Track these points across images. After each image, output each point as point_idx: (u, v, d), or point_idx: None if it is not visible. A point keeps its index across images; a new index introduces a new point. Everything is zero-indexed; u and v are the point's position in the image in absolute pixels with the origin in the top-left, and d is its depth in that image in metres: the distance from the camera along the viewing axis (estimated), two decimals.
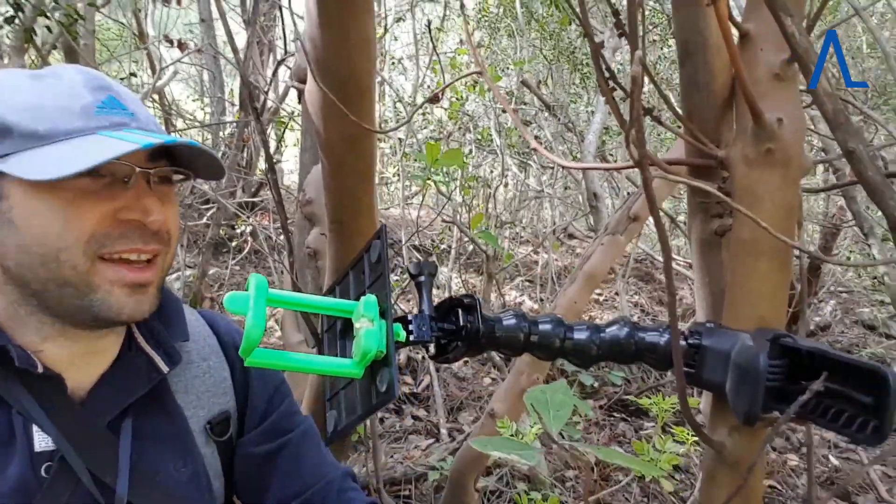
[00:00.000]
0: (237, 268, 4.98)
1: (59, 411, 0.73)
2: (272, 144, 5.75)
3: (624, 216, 1.72)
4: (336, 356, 0.68)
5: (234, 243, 4.86)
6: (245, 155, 5.60)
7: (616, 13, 0.78)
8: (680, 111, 0.82)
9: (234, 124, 5.37)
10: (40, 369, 0.72)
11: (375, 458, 1.43)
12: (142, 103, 0.76)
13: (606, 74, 0.76)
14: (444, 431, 2.74)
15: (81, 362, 0.76)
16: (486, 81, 0.91)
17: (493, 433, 1.62)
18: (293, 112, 5.34)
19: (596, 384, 3.09)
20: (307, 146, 2.28)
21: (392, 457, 2.51)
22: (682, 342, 0.69)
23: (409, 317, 0.67)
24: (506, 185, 4.52)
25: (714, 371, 0.65)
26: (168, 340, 0.84)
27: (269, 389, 0.93)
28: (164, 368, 0.81)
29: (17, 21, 2.74)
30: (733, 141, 0.74)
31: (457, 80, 1.21)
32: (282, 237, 4.39)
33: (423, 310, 0.68)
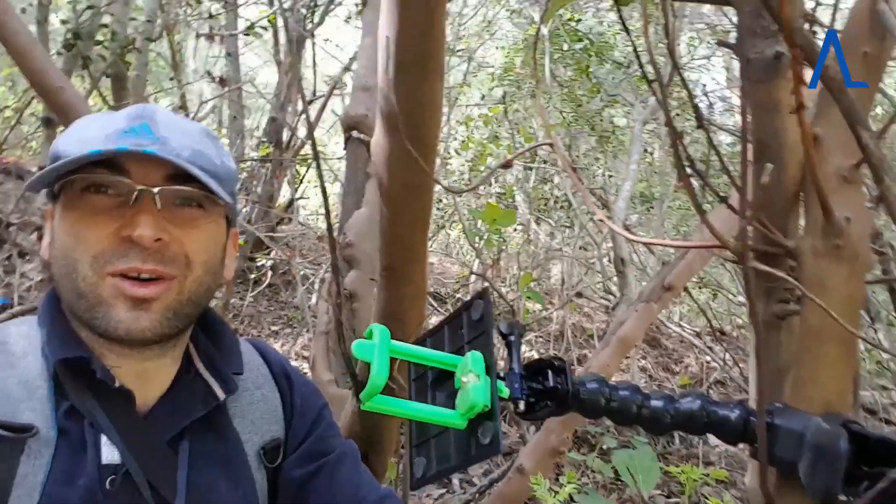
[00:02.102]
0: (251, 300, 5.03)
1: (126, 426, 0.76)
2: (288, 180, 5.86)
3: (658, 285, 1.78)
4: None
5: (252, 276, 4.94)
6: (266, 189, 5.70)
7: (696, 108, 0.85)
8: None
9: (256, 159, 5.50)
10: (117, 384, 0.76)
11: (406, 502, 1.46)
12: (187, 133, 0.78)
13: (686, 163, 0.83)
14: (455, 482, 2.76)
15: (142, 381, 0.80)
16: (557, 153, 0.98)
17: (520, 488, 1.65)
18: (322, 152, 5.45)
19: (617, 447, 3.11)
20: (350, 190, 2.36)
21: None
22: (756, 420, 0.74)
23: (502, 374, 0.72)
24: (528, 242, 4.61)
25: (786, 449, 0.70)
26: (225, 369, 0.87)
27: (312, 414, 0.96)
28: (221, 395, 0.85)
29: (75, 48, 2.87)
30: (804, 233, 0.80)
31: (528, 149, 1.28)
32: (301, 273, 4.46)
33: (514, 368, 0.74)
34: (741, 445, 0.79)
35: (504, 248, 4.20)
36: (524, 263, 4.59)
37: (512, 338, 0.76)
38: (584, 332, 4.76)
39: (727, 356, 5.35)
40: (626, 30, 0.79)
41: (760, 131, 0.82)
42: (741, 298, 5.15)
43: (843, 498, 0.66)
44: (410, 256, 1.51)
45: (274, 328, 4.88)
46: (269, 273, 4.87)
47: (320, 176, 1.50)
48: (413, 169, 1.36)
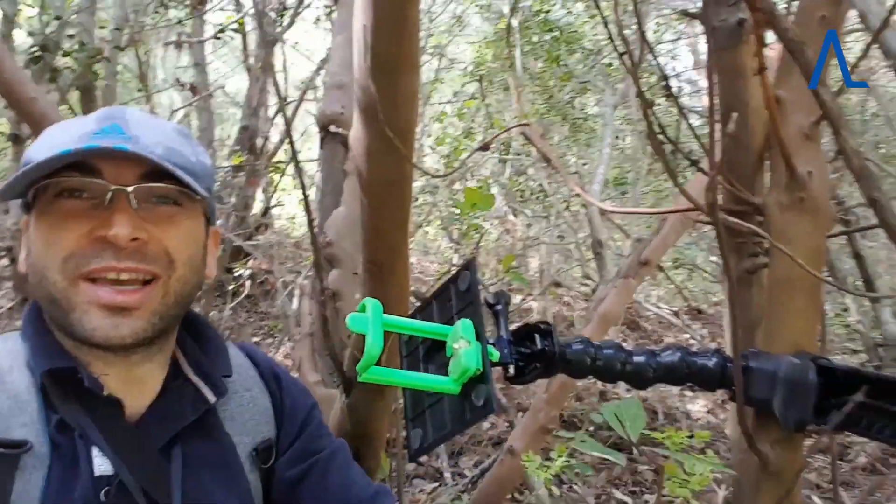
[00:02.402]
0: (230, 312, 4.99)
1: (116, 436, 0.75)
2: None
3: (635, 261, 1.82)
4: None
5: (231, 287, 4.89)
6: (240, 197, 5.67)
7: (665, 77, 0.89)
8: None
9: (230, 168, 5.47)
10: (106, 392, 0.74)
11: (400, 497, 1.49)
12: (166, 132, 0.77)
13: (658, 130, 0.87)
14: (447, 475, 2.78)
15: (131, 388, 0.78)
16: (532, 137, 1.02)
17: (513, 469, 1.69)
18: (293, 157, 5.43)
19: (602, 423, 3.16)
20: (328, 190, 2.37)
21: (398, 500, 2.54)
22: (732, 366, 0.78)
23: (491, 340, 0.75)
24: (507, 232, 4.65)
25: (761, 389, 0.74)
26: (213, 372, 0.86)
27: (303, 413, 0.95)
28: (211, 398, 0.83)
29: (42, 60, 2.85)
30: (769, 190, 0.85)
31: (503, 132, 1.31)
32: (281, 280, 4.44)
33: (502, 335, 0.77)
34: (720, 392, 0.82)
35: (481, 241, 4.23)
36: (502, 255, 4.62)
37: (499, 307, 0.79)
38: (566, 319, 4.81)
39: (705, 332, 5.45)
40: (599, 8, 0.82)
41: (727, 96, 0.86)
42: (716, 275, 5.25)
43: (813, 426, 0.70)
44: (393, 249, 1.53)
45: (255, 339, 4.85)
46: (248, 283, 4.84)
47: (300, 173, 1.51)
48: (392, 160, 1.39)
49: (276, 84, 1.47)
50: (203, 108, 6.22)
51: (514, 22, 5.23)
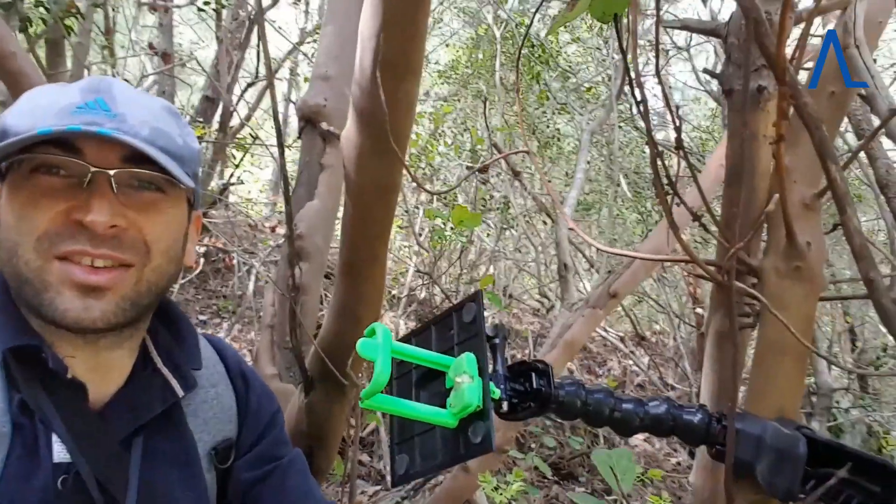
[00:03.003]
0: (178, 287, 4.87)
1: (77, 423, 0.72)
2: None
3: (604, 292, 1.85)
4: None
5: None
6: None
7: (678, 129, 0.91)
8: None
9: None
10: (70, 374, 0.72)
11: (352, 499, 1.48)
12: (147, 111, 0.74)
13: (665, 181, 0.88)
14: (390, 479, 2.76)
15: (96, 375, 0.76)
16: (533, 162, 1.02)
17: (466, 485, 1.69)
18: (256, 136, 5.34)
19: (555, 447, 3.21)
20: (303, 181, 2.33)
21: (340, 500, 2.52)
22: (716, 424, 0.80)
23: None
24: (470, 242, 4.67)
25: (744, 451, 0.76)
26: (183, 365, 0.84)
27: (266, 415, 0.94)
28: (180, 392, 0.81)
29: (13, 7, 2.71)
30: (767, 255, 0.87)
31: (503, 156, 1.30)
32: (235, 261, 4.36)
33: (498, 370, 0.77)
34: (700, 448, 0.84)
35: (445, 248, 4.24)
36: (464, 263, 4.65)
37: (496, 340, 0.78)
38: (518, 333, 4.86)
39: (647, 360, 5.58)
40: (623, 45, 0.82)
41: (735, 156, 0.88)
42: (662, 305, 5.38)
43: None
44: (372, 255, 1.52)
45: (202, 317, 4.74)
46: (202, 260, 4.73)
47: (282, 160, 1.47)
48: (384, 166, 1.38)
49: (268, 57, 1.43)
50: (166, 75, 6.04)
51: (497, 32, 5.27)
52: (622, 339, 6.03)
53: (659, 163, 0.88)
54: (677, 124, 0.93)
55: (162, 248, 0.73)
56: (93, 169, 0.68)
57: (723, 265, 0.94)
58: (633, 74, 0.83)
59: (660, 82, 0.78)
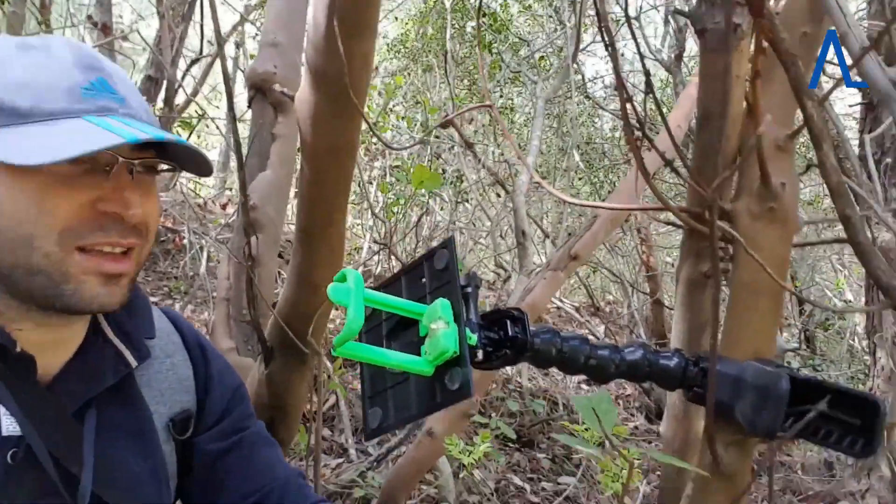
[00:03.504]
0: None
1: (26, 395, 0.70)
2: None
3: (565, 254, 1.84)
4: None
5: None
6: None
7: (647, 73, 0.88)
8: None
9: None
10: (18, 348, 0.71)
11: (316, 470, 1.44)
12: (135, 87, 0.75)
13: (637, 126, 0.86)
14: (352, 452, 2.74)
15: (49, 347, 0.75)
16: (496, 117, 0.99)
17: (431, 451, 1.67)
18: (203, 113, 5.18)
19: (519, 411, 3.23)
20: (254, 152, 2.25)
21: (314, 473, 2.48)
22: (693, 367, 0.79)
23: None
24: (427, 214, 4.63)
25: (722, 392, 0.75)
26: (135, 334, 0.83)
27: (230, 390, 0.93)
28: (133, 363, 0.80)
29: None
30: (738, 197, 0.86)
31: (464, 111, 1.28)
32: (185, 241, 4.23)
33: (472, 318, 0.74)
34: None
35: (399, 221, 4.20)
36: (421, 236, 4.62)
37: (469, 289, 0.75)
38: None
39: (603, 329, 5.68)
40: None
41: (707, 99, 0.86)
42: (616, 275, 5.46)
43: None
44: (329, 219, 1.47)
45: (153, 299, 4.63)
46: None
47: (236, 135, 1.41)
48: (340, 125, 1.33)
49: (216, 22, 1.37)
50: (105, 50, 5.79)
51: (447, 2, 5.20)
52: (577, 310, 6.11)
53: (629, 107, 0.86)
54: (645, 68, 0.91)
55: (154, 229, 0.75)
56: (121, 159, 0.68)
57: (698, 210, 0.93)
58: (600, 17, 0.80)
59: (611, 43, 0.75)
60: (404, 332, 0.74)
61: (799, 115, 0.80)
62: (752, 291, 0.82)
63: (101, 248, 0.68)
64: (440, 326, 0.66)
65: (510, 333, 0.74)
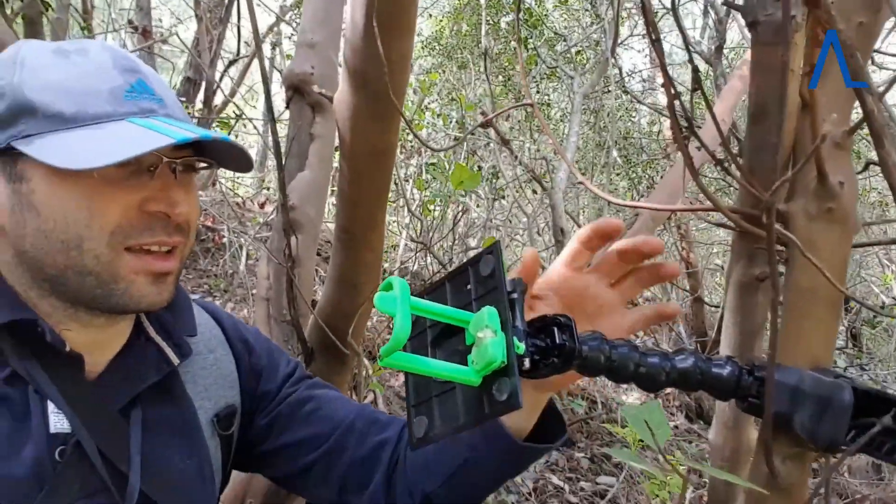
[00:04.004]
0: None
1: (75, 393, 0.72)
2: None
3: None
4: None
5: None
6: None
7: (696, 70, 0.85)
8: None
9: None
10: (68, 348, 0.71)
11: None
12: (168, 87, 0.76)
13: (685, 125, 0.84)
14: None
15: (95, 346, 0.76)
16: (537, 115, 0.97)
17: None
18: (241, 113, 5.25)
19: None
20: (293, 153, 2.27)
21: None
22: (748, 376, 0.76)
23: None
24: (465, 212, 4.62)
25: (780, 402, 0.72)
26: (177, 332, 0.84)
27: (283, 369, 0.97)
28: (175, 360, 0.81)
29: None
30: (793, 198, 0.82)
31: (506, 110, 1.26)
32: (225, 239, 4.30)
33: (518, 325, 0.72)
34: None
35: (435, 220, 4.19)
36: (457, 234, 4.60)
37: (515, 295, 0.74)
38: None
39: None
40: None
41: (761, 94, 0.83)
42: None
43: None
44: (370, 221, 1.48)
45: (194, 297, 4.71)
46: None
47: (275, 135, 1.42)
48: (380, 127, 1.32)
49: (254, 21, 1.38)
50: (145, 54, 5.91)
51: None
52: None
53: (677, 103, 0.83)
54: (693, 63, 0.88)
55: (195, 226, 0.76)
56: (165, 159, 0.69)
57: (753, 212, 0.90)
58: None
59: (654, 32, 0.73)
60: (449, 340, 0.73)
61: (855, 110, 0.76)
62: (809, 297, 0.78)
63: (149, 247, 0.69)
64: (487, 335, 0.65)
65: (558, 341, 0.72)
